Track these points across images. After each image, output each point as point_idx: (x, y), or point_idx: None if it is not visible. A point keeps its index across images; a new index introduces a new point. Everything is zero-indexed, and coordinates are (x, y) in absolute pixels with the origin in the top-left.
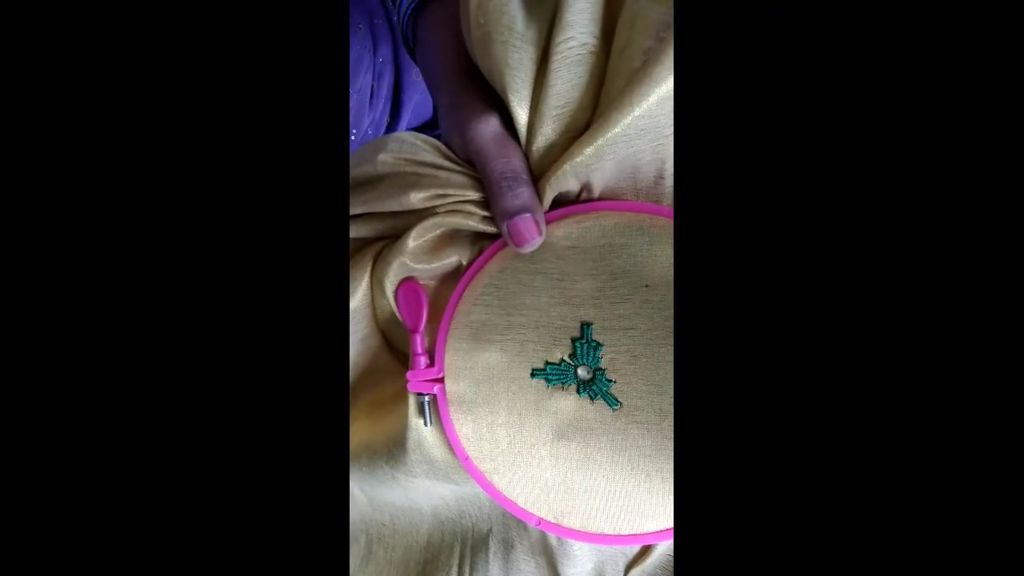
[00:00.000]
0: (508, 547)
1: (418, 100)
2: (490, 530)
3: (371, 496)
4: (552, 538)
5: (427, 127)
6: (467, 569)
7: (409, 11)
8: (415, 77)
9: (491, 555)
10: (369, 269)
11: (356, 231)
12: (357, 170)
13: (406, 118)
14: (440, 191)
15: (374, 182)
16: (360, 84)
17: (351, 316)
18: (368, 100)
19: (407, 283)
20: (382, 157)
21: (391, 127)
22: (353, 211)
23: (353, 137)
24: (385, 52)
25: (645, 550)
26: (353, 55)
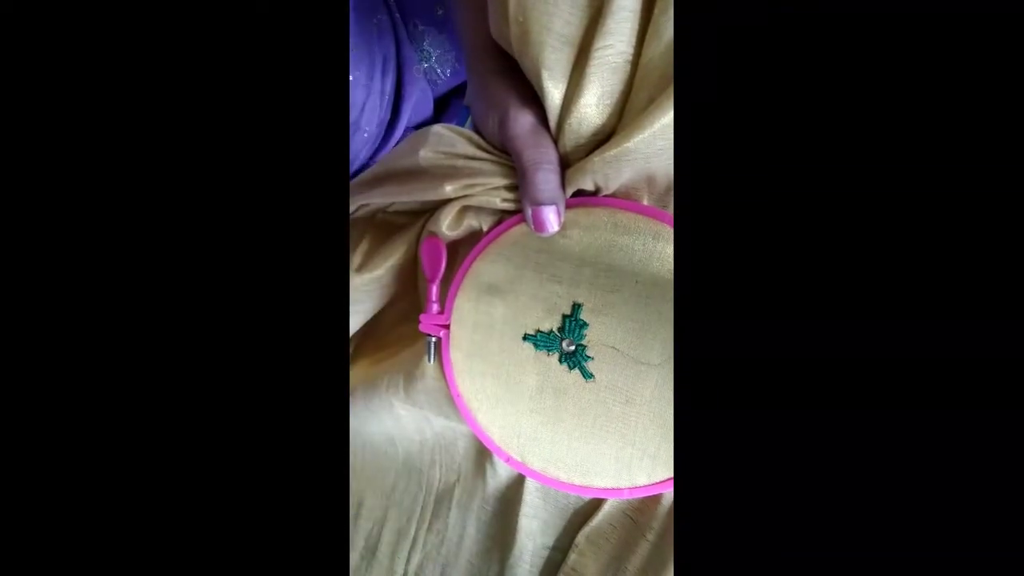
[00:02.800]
0: (470, 496)
1: (419, 97)
2: (456, 480)
3: (354, 427)
4: (510, 490)
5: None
6: (428, 515)
7: None
8: (416, 74)
9: (454, 503)
10: (408, 239)
11: (403, 207)
12: (402, 162)
13: (406, 115)
14: (470, 181)
15: (418, 174)
16: (365, 79)
17: (389, 272)
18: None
19: (430, 238)
20: (423, 153)
21: (392, 124)
22: (399, 198)
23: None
24: (388, 49)
25: (594, 508)
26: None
